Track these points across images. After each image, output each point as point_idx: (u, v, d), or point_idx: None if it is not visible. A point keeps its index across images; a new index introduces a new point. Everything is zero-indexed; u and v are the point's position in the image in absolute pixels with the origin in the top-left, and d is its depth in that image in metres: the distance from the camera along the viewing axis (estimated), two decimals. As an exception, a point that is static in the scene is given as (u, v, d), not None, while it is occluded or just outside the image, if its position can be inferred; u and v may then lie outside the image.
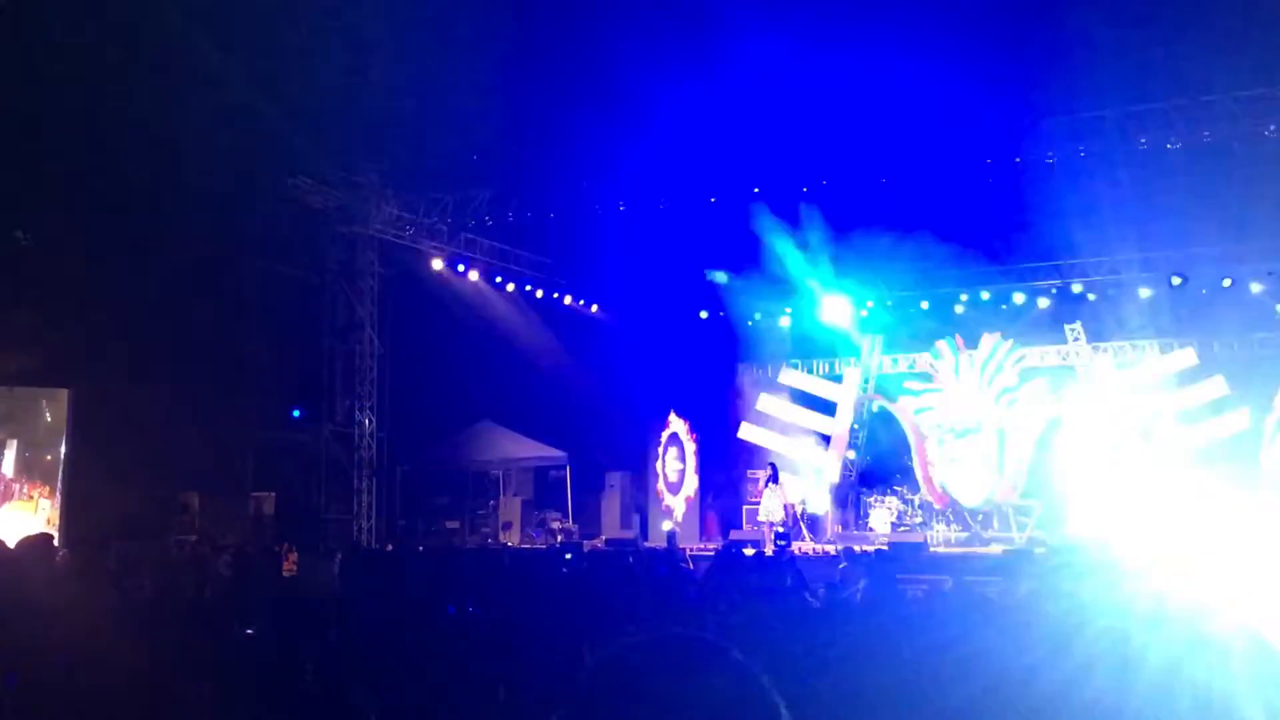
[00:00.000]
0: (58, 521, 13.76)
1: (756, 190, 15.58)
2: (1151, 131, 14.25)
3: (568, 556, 9.34)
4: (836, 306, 18.88)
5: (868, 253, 18.15)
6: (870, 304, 19.42)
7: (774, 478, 17.12)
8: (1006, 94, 13.80)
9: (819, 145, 15.03)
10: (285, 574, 10.39)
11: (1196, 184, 14.71)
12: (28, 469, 14.07)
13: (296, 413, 16.74)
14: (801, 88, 15.63)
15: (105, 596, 7.67)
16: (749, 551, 10.78)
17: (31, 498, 14.09)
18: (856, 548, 14.65)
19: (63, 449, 14.17)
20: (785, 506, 16.84)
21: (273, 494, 16.34)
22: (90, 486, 13.88)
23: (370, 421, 17.17)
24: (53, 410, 14.22)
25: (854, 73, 15.68)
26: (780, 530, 15.92)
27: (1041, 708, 2.91)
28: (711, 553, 12.07)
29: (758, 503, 18.27)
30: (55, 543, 11.96)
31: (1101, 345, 18.34)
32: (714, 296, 19.76)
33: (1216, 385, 17.32)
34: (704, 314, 20.49)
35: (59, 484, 14.07)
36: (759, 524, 16.81)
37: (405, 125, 16.52)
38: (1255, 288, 17.12)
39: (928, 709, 3.25)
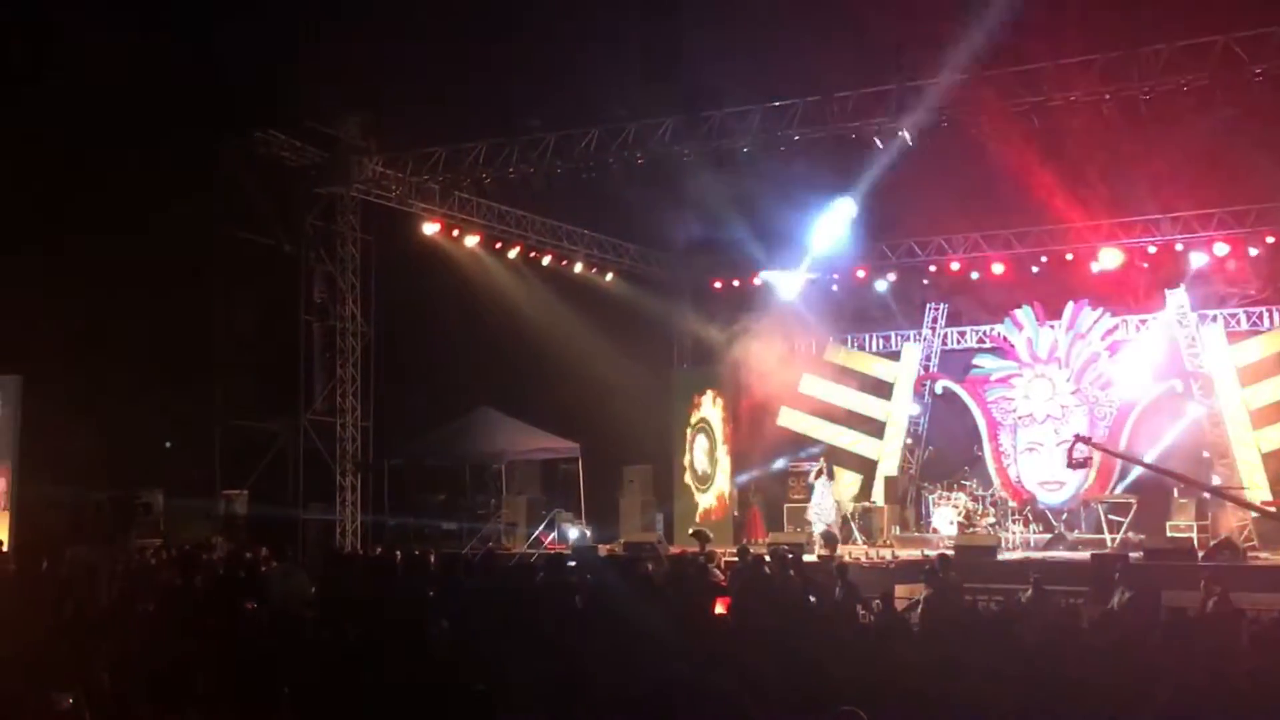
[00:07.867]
0: (7, 522, 14.63)
1: (796, 137, 15.80)
2: (1260, 61, 14.08)
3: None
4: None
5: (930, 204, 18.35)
6: (933, 268, 19.59)
7: (829, 473, 17.58)
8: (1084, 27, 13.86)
9: (855, 83, 15.24)
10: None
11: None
12: (-26, 461, 14.88)
13: None
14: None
15: (57, 609, 8.43)
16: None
17: (-22, 493, 14.90)
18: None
19: (12, 441, 14.96)
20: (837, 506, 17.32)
21: (245, 492, 17.06)
22: (42, 483, 14.72)
23: (354, 409, 17.85)
24: (1, 398, 15.00)
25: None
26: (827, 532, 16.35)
27: None
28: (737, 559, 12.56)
29: (802, 500, 18.72)
30: (4, 547, 12.84)
31: (1210, 313, 18.42)
32: (748, 258, 19.94)
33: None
34: (736, 281, 20.79)
35: (9, 480, 14.89)
36: (809, 522, 17.22)
37: (388, 69, 16.96)
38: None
39: None
